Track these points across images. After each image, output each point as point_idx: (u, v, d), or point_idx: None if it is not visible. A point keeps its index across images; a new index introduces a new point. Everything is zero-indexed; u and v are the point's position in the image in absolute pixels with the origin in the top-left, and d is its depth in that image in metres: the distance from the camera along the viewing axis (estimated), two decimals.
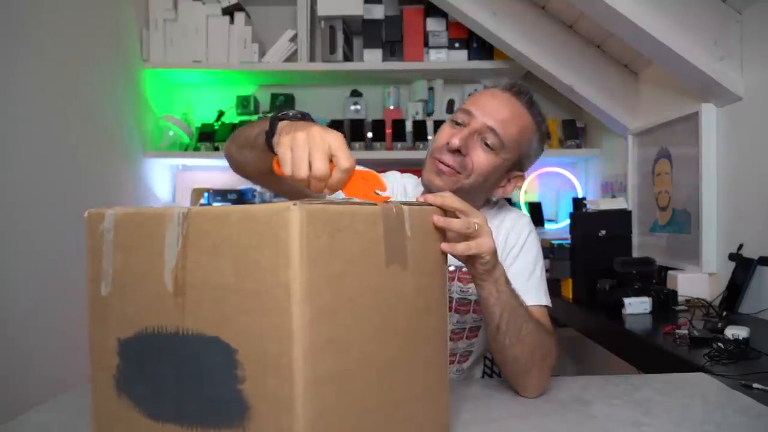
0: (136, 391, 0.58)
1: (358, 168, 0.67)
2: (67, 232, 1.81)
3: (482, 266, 0.81)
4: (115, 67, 2.38)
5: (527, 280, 1.03)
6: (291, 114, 0.77)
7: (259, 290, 0.50)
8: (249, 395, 0.50)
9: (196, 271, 0.53)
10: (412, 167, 1.40)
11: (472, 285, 1.05)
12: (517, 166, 1.06)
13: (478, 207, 1.08)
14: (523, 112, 1.03)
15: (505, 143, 1.00)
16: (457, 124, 1.02)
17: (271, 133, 0.75)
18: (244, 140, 0.88)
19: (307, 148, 0.64)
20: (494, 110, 1.00)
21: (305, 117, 0.77)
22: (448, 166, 0.99)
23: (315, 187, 0.65)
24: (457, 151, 0.98)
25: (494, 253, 0.81)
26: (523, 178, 1.10)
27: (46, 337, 1.78)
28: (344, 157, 0.64)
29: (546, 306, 1.03)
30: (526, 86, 1.06)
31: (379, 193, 0.68)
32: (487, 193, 1.08)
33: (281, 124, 0.73)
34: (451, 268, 1.08)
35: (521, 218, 1.12)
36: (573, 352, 2.82)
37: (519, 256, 1.06)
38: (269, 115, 2.77)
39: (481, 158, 0.99)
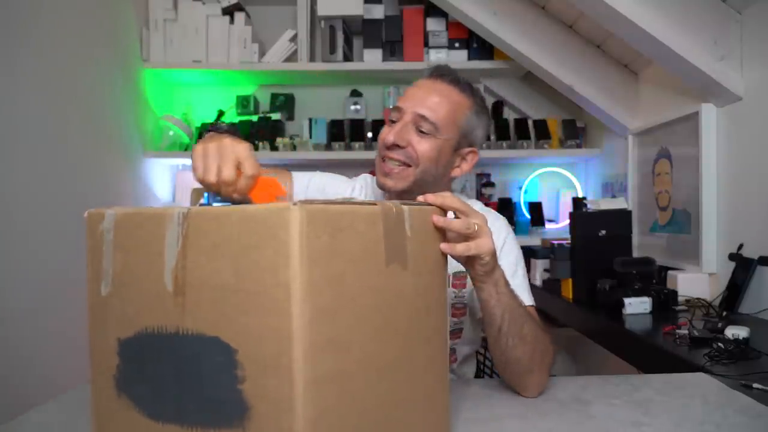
0: (136, 391, 0.58)
1: (267, 175, 0.74)
2: (67, 232, 1.81)
3: (481, 267, 0.81)
4: (115, 67, 2.38)
5: (513, 280, 1.02)
6: (219, 127, 0.83)
7: (259, 290, 0.50)
8: (249, 395, 0.50)
9: (196, 271, 0.53)
10: None
11: (450, 289, 1.07)
12: (465, 143, 1.07)
13: None
14: (449, 91, 1.04)
15: (438, 125, 1.02)
16: (393, 122, 1.05)
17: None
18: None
19: (218, 157, 0.70)
20: (420, 98, 1.03)
21: (231, 132, 0.81)
22: (395, 160, 1.02)
23: (224, 192, 0.72)
24: (396, 146, 1.02)
25: (494, 254, 0.81)
26: (475, 152, 1.10)
27: (46, 337, 1.78)
28: (250, 165, 0.70)
29: (532, 306, 1.04)
30: (448, 67, 1.08)
31: (280, 198, 0.74)
32: (445, 177, 1.08)
33: (205, 137, 0.78)
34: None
35: (497, 221, 1.12)
36: (573, 352, 2.83)
37: (500, 258, 1.05)
38: (269, 114, 2.78)
39: (421, 145, 1.02)
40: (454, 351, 1.15)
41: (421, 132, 1.02)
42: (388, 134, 1.02)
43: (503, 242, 1.09)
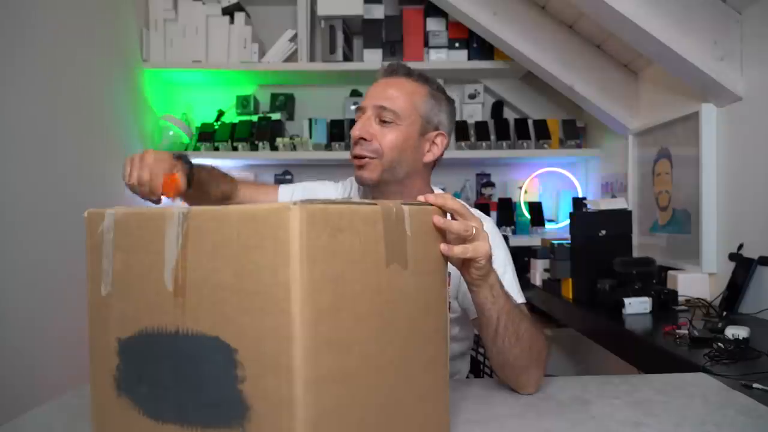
0: (136, 391, 0.58)
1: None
2: (67, 232, 1.81)
3: (477, 271, 0.82)
4: (115, 67, 2.38)
5: (517, 283, 1.07)
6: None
7: (259, 290, 0.50)
8: (249, 395, 0.50)
9: (196, 271, 0.53)
10: None
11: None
12: (430, 127, 1.12)
13: (415, 187, 1.13)
14: (403, 82, 1.10)
15: (398, 112, 1.07)
16: (358, 119, 1.11)
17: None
18: None
19: (138, 165, 0.98)
20: (378, 93, 1.09)
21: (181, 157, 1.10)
22: (362, 157, 1.08)
23: (140, 192, 1.02)
24: (363, 140, 1.07)
25: (490, 257, 0.82)
26: (444, 135, 1.14)
27: (46, 337, 1.78)
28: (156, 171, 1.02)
29: (524, 303, 1.06)
30: (400, 63, 1.15)
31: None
32: (417, 162, 1.12)
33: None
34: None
35: (484, 221, 1.11)
36: (573, 352, 2.82)
37: (508, 262, 1.10)
38: (269, 114, 2.78)
39: (385, 135, 1.07)
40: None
41: (384, 122, 1.07)
42: (354, 130, 1.08)
43: (494, 242, 1.08)
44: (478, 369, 1.55)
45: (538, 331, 0.93)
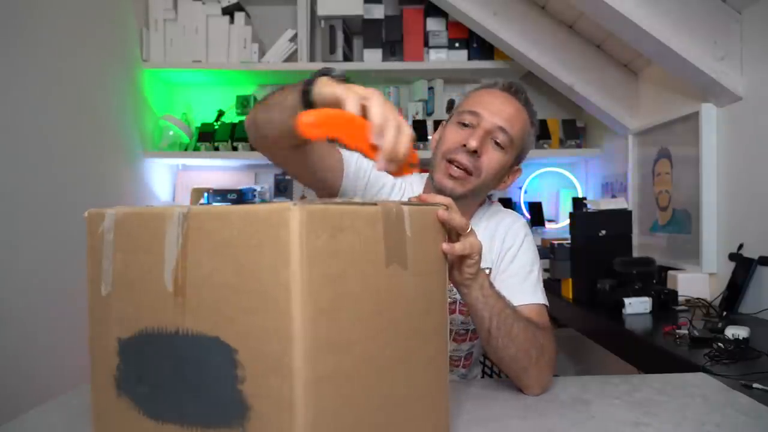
0: (136, 391, 0.58)
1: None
2: (67, 232, 1.81)
3: (468, 269, 0.81)
4: (115, 67, 2.38)
5: (524, 279, 1.05)
6: (334, 73, 0.76)
7: (260, 290, 0.50)
8: (249, 395, 0.50)
9: (196, 271, 0.53)
10: None
11: None
12: (517, 161, 1.11)
13: (477, 204, 1.12)
14: (522, 109, 1.06)
15: (513, 140, 1.04)
16: (465, 125, 1.04)
17: (309, 83, 0.75)
18: (274, 100, 0.89)
19: (392, 115, 0.65)
20: (500, 109, 1.03)
21: (347, 80, 0.75)
22: (461, 168, 1.02)
23: (385, 160, 0.66)
24: (473, 152, 1.01)
25: (480, 253, 0.81)
26: (520, 171, 1.13)
27: (46, 337, 1.78)
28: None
29: (543, 304, 1.04)
30: (521, 84, 1.10)
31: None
32: (492, 188, 1.11)
33: (324, 80, 0.74)
34: (452, 298, 1.07)
35: (517, 221, 1.14)
36: (573, 352, 2.82)
37: (516, 257, 1.08)
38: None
39: (492, 158, 1.03)
40: (471, 354, 1.15)
41: (496, 143, 1.03)
42: (470, 138, 1.01)
43: (522, 242, 1.09)
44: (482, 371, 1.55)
45: (538, 333, 0.92)
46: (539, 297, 1.04)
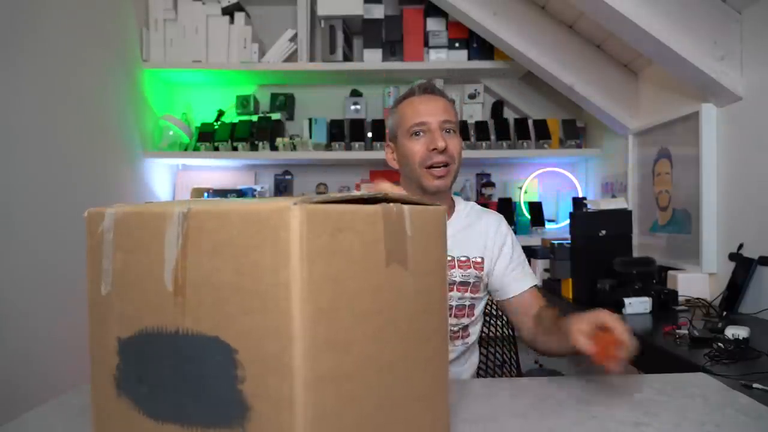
0: (136, 391, 0.58)
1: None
2: (67, 232, 1.81)
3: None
4: (115, 67, 2.38)
5: (525, 266, 1.32)
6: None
7: (260, 290, 0.50)
8: (249, 395, 0.50)
9: (196, 271, 0.53)
10: None
11: (471, 270, 1.27)
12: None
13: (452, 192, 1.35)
14: (444, 100, 1.28)
15: (457, 123, 1.26)
16: (417, 134, 1.23)
17: None
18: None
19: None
20: (435, 108, 1.24)
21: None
22: (442, 165, 1.22)
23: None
24: (444, 149, 1.21)
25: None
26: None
27: (46, 337, 1.78)
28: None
29: (537, 284, 1.32)
30: (430, 81, 1.36)
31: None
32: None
33: None
34: (451, 256, 1.27)
35: (498, 217, 1.36)
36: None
37: (514, 249, 1.33)
38: (269, 114, 2.78)
39: (454, 143, 1.24)
40: (467, 327, 1.31)
41: (448, 132, 1.24)
42: (435, 141, 1.20)
43: (510, 235, 1.34)
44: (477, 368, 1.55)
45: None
46: (535, 278, 1.32)
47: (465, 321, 1.30)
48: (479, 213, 1.35)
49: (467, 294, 1.28)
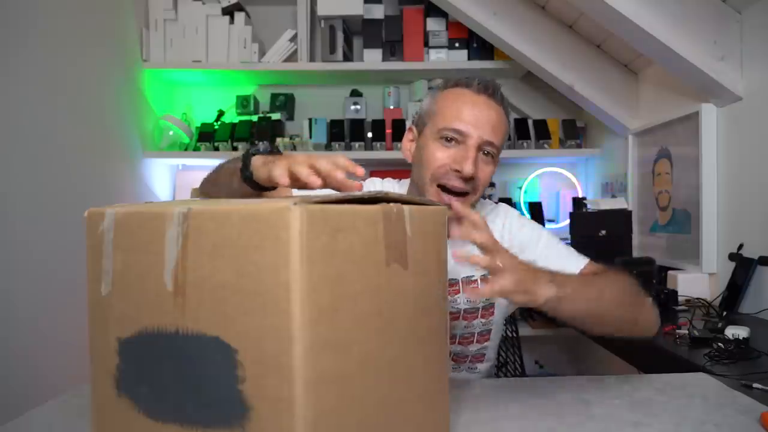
0: (136, 391, 0.58)
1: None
2: (67, 232, 1.81)
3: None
4: (115, 67, 2.38)
5: (569, 250, 1.10)
6: (261, 149, 0.82)
7: (260, 290, 0.50)
8: (249, 395, 0.50)
9: (196, 271, 0.53)
10: None
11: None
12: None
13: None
14: (501, 111, 1.02)
15: (499, 148, 1.02)
16: (447, 141, 0.99)
17: (245, 169, 0.80)
18: (220, 181, 0.90)
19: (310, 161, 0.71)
20: (485, 119, 0.99)
21: (275, 152, 0.82)
22: (458, 192, 0.99)
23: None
24: (470, 177, 0.98)
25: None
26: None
27: (46, 337, 1.78)
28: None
29: (589, 259, 1.09)
30: (495, 82, 1.04)
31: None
32: None
33: (259, 159, 0.80)
34: (456, 279, 1.08)
35: (501, 212, 1.16)
36: (573, 352, 2.82)
37: (549, 242, 1.10)
38: (269, 114, 2.77)
39: (485, 171, 1.00)
40: (483, 354, 1.15)
41: (485, 154, 1.00)
42: (463, 163, 0.96)
43: (540, 234, 1.12)
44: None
45: (620, 284, 0.93)
46: (582, 259, 1.08)
47: (473, 348, 1.12)
48: (501, 213, 1.14)
49: (477, 321, 1.10)
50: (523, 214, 1.20)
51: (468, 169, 0.96)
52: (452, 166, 0.97)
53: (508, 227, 1.12)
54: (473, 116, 0.98)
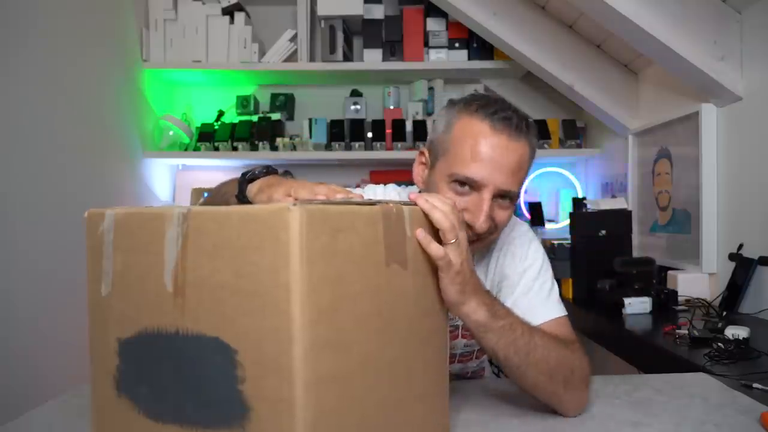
0: (136, 392, 0.58)
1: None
2: (67, 232, 1.81)
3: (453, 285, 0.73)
4: (115, 67, 2.38)
5: (548, 297, 0.98)
6: (257, 171, 0.79)
7: (259, 291, 0.50)
8: (249, 396, 0.50)
9: (196, 272, 0.53)
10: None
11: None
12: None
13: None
14: (524, 149, 0.90)
15: (518, 192, 0.92)
16: (461, 186, 0.89)
17: (241, 194, 0.78)
18: (216, 203, 0.86)
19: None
20: (504, 165, 0.88)
21: (270, 171, 0.80)
22: (470, 240, 0.86)
23: None
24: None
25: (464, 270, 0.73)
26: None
27: (46, 338, 1.78)
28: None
29: (565, 315, 0.98)
30: (518, 110, 0.92)
31: None
32: None
33: (256, 185, 0.77)
34: (456, 326, 1.04)
35: (527, 234, 1.06)
36: None
37: (539, 276, 1.00)
38: (269, 114, 2.77)
39: (502, 216, 0.92)
40: (483, 369, 1.15)
41: (503, 199, 0.90)
42: (480, 217, 0.87)
43: (540, 259, 1.02)
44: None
45: (565, 353, 0.83)
46: (562, 310, 0.97)
47: (472, 365, 1.12)
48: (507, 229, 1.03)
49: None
50: (523, 214, 1.17)
51: (481, 225, 0.88)
52: (465, 216, 0.87)
53: (525, 249, 1.03)
54: (490, 162, 0.87)
